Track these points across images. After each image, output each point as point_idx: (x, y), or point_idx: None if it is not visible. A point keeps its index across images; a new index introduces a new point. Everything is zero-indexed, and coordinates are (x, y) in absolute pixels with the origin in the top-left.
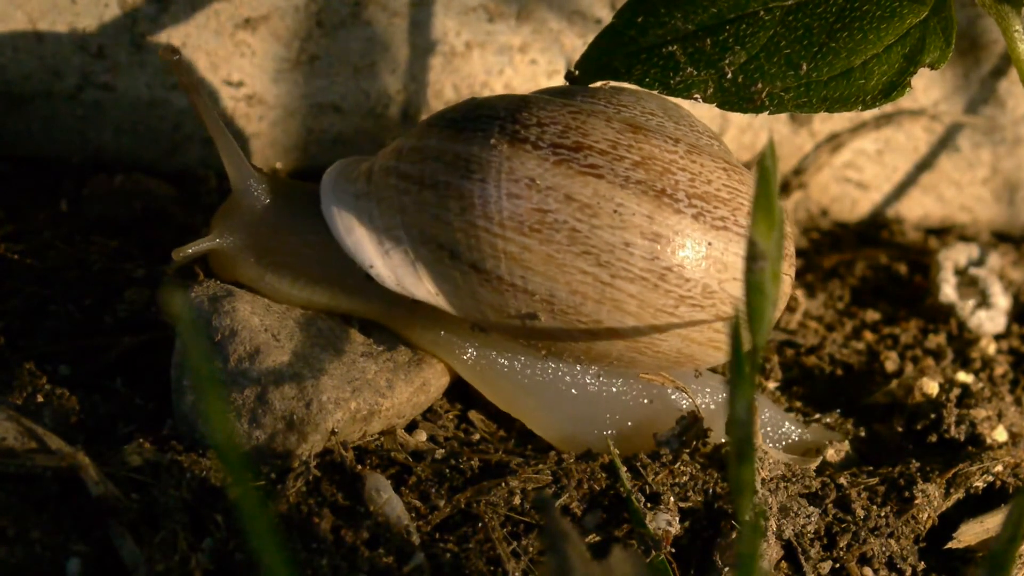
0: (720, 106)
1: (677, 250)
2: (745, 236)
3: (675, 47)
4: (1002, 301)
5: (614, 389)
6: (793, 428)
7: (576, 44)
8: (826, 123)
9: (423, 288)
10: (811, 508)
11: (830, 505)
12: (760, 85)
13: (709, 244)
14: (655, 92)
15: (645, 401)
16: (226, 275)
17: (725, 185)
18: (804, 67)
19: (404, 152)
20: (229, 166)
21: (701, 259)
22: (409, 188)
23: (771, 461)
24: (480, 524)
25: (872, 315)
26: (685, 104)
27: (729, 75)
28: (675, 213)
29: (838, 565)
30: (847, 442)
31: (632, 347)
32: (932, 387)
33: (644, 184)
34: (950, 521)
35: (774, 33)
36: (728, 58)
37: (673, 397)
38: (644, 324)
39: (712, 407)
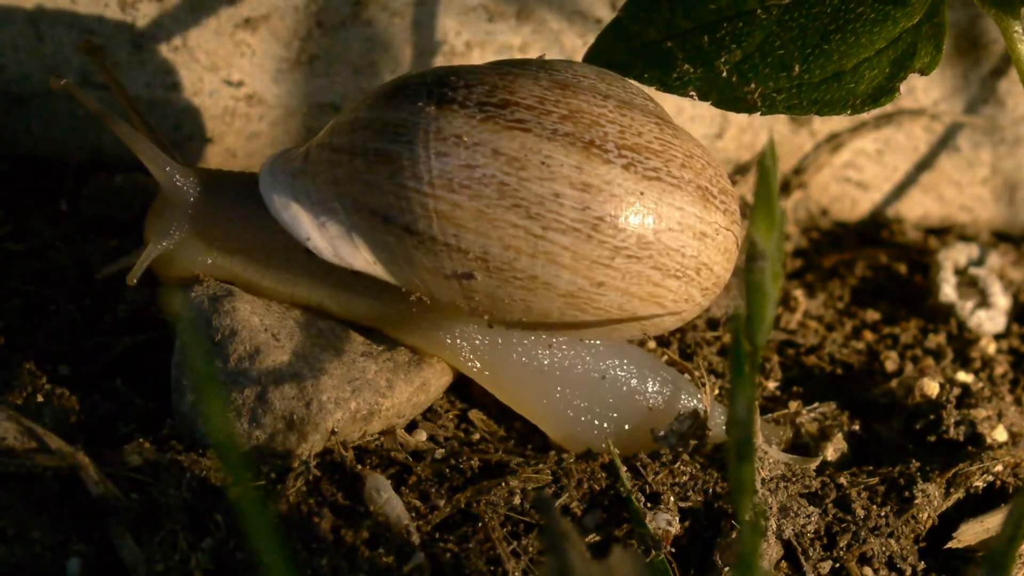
0: (715, 104)
1: (608, 200)
2: (679, 187)
3: (673, 43)
4: (1002, 301)
5: (567, 363)
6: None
7: (576, 44)
8: (826, 123)
9: (360, 258)
10: (811, 508)
11: (830, 505)
12: (753, 85)
13: (641, 194)
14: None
15: (595, 376)
16: (172, 275)
17: (657, 138)
18: (796, 68)
19: (338, 127)
20: (151, 167)
21: (634, 209)
22: (342, 160)
23: (771, 461)
24: (480, 524)
25: (872, 315)
26: (686, 103)
27: (724, 73)
28: (605, 163)
29: (838, 565)
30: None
31: (571, 303)
32: (932, 387)
33: (572, 136)
34: (950, 521)
35: (769, 33)
36: (724, 56)
37: (620, 374)
38: (580, 277)
39: (660, 401)
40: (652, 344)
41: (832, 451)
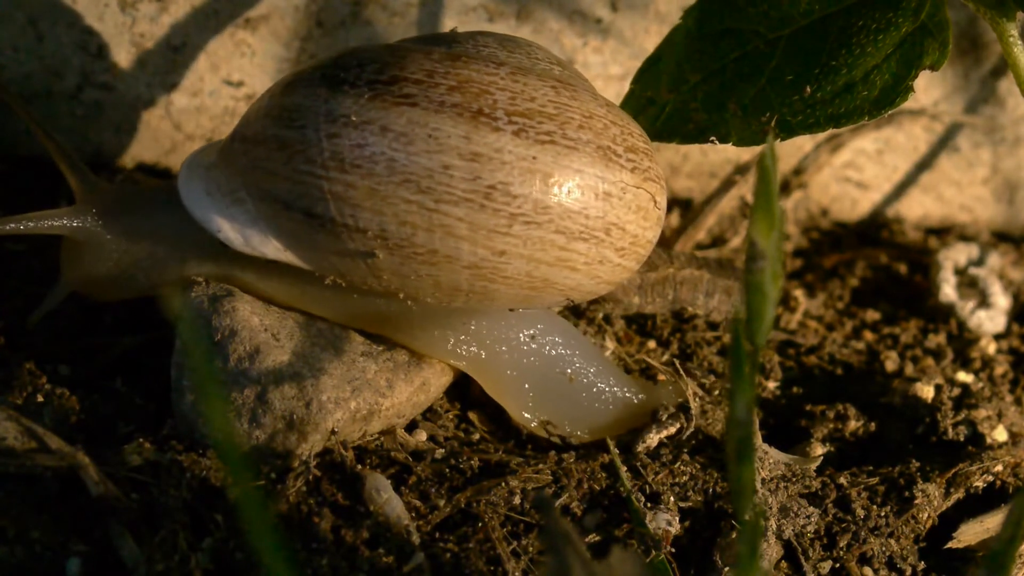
0: (736, 144)
1: (499, 168)
2: (575, 148)
3: (686, 96)
4: (1002, 301)
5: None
6: (621, 390)
7: (576, 44)
8: None
9: (271, 246)
10: (811, 508)
11: (830, 505)
12: (767, 115)
13: (534, 159)
14: (495, 32)
15: (529, 333)
16: (109, 297)
17: (551, 101)
18: (808, 90)
19: (246, 116)
20: (52, 230)
21: (527, 174)
22: (247, 149)
23: (771, 461)
24: (480, 524)
25: (872, 315)
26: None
27: (738, 112)
28: (493, 131)
29: (838, 565)
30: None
31: (477, 274)
32: (928, 392)
33: (459, 107)
34: (950, 521)
35: (777, 64)
36: (735, 97)
37: (548, 339)
38: (480, 248)
39: (582, 376)
40: (652, 344)
41: (818, 448)
